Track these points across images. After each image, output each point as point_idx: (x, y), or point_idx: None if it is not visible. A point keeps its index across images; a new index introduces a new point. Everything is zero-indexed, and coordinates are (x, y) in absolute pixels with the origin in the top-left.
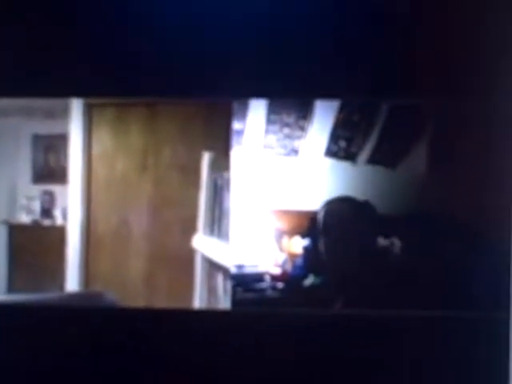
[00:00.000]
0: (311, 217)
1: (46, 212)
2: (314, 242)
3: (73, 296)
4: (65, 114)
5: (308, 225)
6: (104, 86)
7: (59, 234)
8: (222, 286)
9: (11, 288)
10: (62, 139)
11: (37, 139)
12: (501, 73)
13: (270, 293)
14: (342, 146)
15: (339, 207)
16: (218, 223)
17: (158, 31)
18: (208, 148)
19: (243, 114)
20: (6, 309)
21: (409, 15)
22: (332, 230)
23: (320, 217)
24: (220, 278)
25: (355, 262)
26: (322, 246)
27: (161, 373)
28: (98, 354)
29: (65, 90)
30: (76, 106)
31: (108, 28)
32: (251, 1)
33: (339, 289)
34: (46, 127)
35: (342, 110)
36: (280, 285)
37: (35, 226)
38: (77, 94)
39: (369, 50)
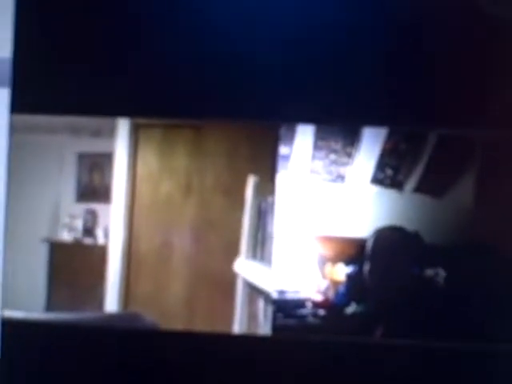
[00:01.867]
0: (357, 244)
1: (88, 231)
2: (359, 269)
3: (112, 317)
4: (111, 133)
5: (353, 252)
6: (151, 106)
7: (100, 253)
8: (263, 311)
9: (50, 306)
10: (107, 158)
11: (82, 158)
12: None
13: (311, 319)
14: (388, 174)
15: (388, 236)
16: (260, 247)
17: (206, 54)
18: (253, 172)
19: (290, 139)
20: (44, 327)
21: (461, 41)
22: (379, 257)
23: (368, 244)
24: (261, 303)
25: (399, 290)
26: (366, 273)
27: None
28: (135, 376)
29: (112, 109)
30: (122, 126)
31: (157, 50)
32: (301, 26)
33: (380, 317)
34: (91, 146)
35: (389, 138)
36: (322, 312)
37: (76, 245)
38: (124, 113)
39: (419, 78)
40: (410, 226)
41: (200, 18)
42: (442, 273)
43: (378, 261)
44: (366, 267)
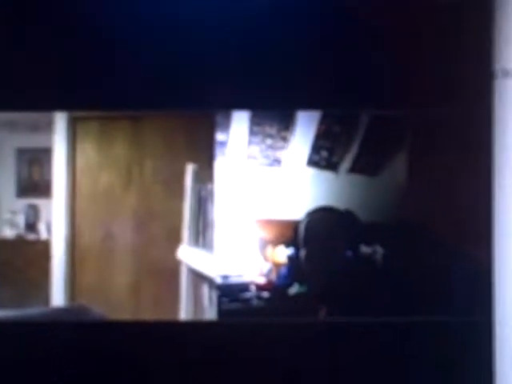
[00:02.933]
0: (294, 226)
1: (31, 226)
2: (297, 251)
3: (58, 310)
4: (49, 127)
5: (291, 234)
6: (88, 99)
7: (44, 248)
8: (208, 297)
9: None
10: (46, 153)
11: (21, 153)
12: (478, 79)
13: (255, 302)
14: (323, 156)
15: (320, 217)
16: (202, 234)
17: (141, 45)
18: (191, 160)
19: (226, 126)
20: None
21: (387, 27)
22: (313, 239)
23: (301, 227)
24: (205, 289)
25: (337, 270)
26: (303, 255)
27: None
28: (84, 368)
29: (48, 103)
30: (60, 120)
31: (92, 42)
32: (234, 14)
33: (322, 298)
34: (30, 141)
35: (323, 121)
36: (265, 294)
37: (19, 241)
38: (60, 107)
39: (349, 62)
40: (346, 205)
41: (134, 8)
42: (379, 250)
43: (311, 242)
44: (302, 250)
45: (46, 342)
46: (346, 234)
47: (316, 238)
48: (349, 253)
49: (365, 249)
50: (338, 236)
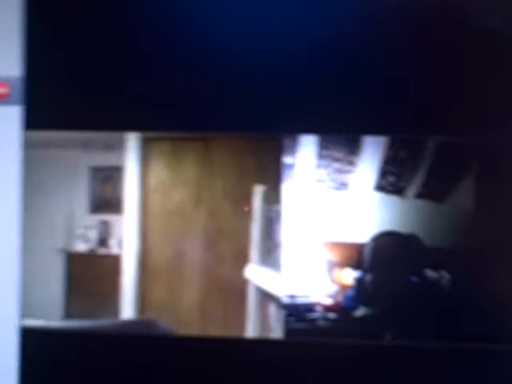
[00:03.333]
0: (359, 249)
1: (102, 241)
2: (364, 274)
3: (127, 323)
4: (122, 147)
5: (358, 257)
6: (160, 121)
7: (115, 262)
8: (275, 316)
9: (67, 315)
10: (118, 171)
11: (94, 171)
12: None
13: (321, 323)
14: (390, 181)
15: (385, 241)
16: (270, 254)
17: (212, 69)
18: (260, 181)
19: (294, 149)
20: (61, 335)
21: (457, 53)
22: (378, 263)
23: (366, 251)
24: (272, 308)
25: (402, 294)
26: (368, 279)
27: None
28: (151, 381)
29: (122, 124)
30: (132, 140)
31: (166, 67)
32: (303, 39)
33: (388, 321)
34: (103, 159)
35: (390, 145)
36: (331, 315)
37: (91, 255)
38: (134, 128)
39: (416, 88)
40: (412, 230)
41: (206, 34)
42: (446, 275)
43: (376, 266)
44: (368, 274)
45: (113, 352)
46: (411, 258)
47: (381, 262)
48: (414, 277)
49: (431, 274)
50: (403, 260)
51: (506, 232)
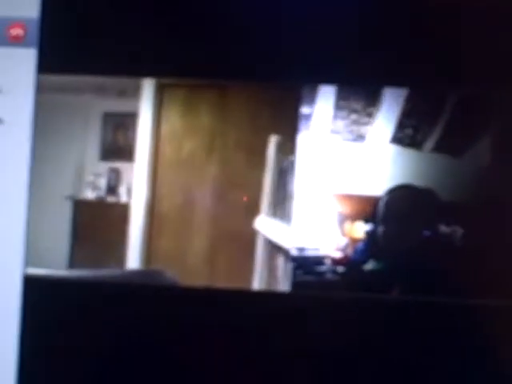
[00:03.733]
0: (376, 202)
1: (112, 189)
2: (376, 227)
3: (133, 273)
4: (136, 93)
5: (371, 210)
6: (176, 67)
7: (123, 211)
8: (283, 268)
9: (73, 263)
10: (131, 118)
11: (107, 117)
12: None
13: (329, 276)
14: (408, 134)
15: (400, 194)
16: (281, 206)
17: (230, 15)
18: (275, 131)
19: (312, 99)
20: (65, 284)
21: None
22: (391, 216)
23: (381, 204)
24: (281, 260)
25: (414, 248)
26: (380, 232)
27: (216, 351)
28: (155, 331)
29: (137, 69)
30: (147, 86)
31: (181, 11)
32: None
33: (397, 275)
34: (116, 106)
35: (409, 98)
36: (340, 268)
37: (100, 203)
38: (149, 73)
39: (438, 41)
40: (427, 184)
41: None
42: (459, 230)
43: (390, 219)
44: (380, 227)
45: (118, 303)
46: (425, 212)
47: (394, 216)
48: (427, 232)
49: (444, 228)
50: (418, 214)
51: None
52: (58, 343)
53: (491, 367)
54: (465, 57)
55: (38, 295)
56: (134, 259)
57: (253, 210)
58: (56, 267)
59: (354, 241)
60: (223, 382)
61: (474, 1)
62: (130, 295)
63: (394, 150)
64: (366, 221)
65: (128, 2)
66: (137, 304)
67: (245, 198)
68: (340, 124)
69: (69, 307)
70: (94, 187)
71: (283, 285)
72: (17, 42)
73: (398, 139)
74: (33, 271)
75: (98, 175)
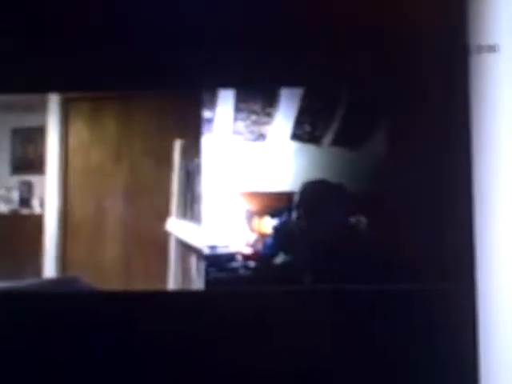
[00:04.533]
0: (281, 197)
1: (25, 201)
2: (285, 221)
3: (49, 282)
4: (43, 108)
5: (277, 205)
6: (79, 81)
7: (37, 222)
8: (196, 267)
9: None
10: (39, 132)
11: (16, 132)
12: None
13: (242, 272)
14: (306, 130)
15: (313, 187)
16: (190, 207)
17: (127, 27)
18: (180, 136)
19: (212, 104)
20: None
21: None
22: (302, 209)
23: (295, 197)
24: (193, 259)
25: (324, 238)
26: (293, 223)
27: (135, 353)
28: (72, 336)
29: (42, 85)
30: (53, 100)
31: (81, 24)
32: None
33: (308, 266)
34: (24, 121)
35: (305, 97)
36: (252, 264)
37: (14, 215)
38: (53, 89)
39: (330, 41)
40: (328, 177)
41: None
42: (363, 220)
43: (303, 210)
44: (293, 219)
45: (37, 312)
46: (333, 204)
47: (304, 209)
48: (336, 223)
49: (351, 219)
50: (326, 206)
51: (416, 177)
52: None
53: (401, 355)
54: (357, 54)
55: None
56: (49, 269)
57: (163, 212)
58: None
59: (262, 236)
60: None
61: (363, 5)
62: (48, 304)
63: (294, 146)
64: (273, 216)
65: (29, 20)
66: (55, 312)
67: None
68: (241, 125)
69: None
70: (7, 201)
71: (197, 283)
72: None
73: (297, 136)
74: None
75: (9, 189)
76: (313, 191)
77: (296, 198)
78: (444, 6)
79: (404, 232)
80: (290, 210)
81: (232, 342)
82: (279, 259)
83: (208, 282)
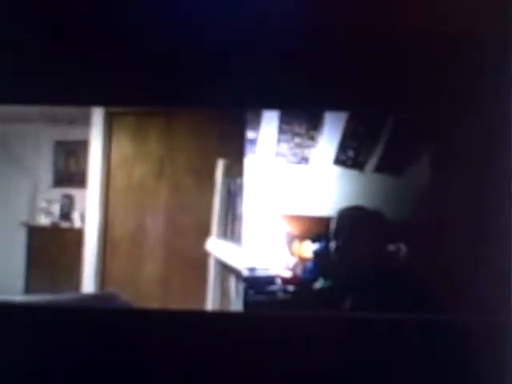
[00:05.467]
0: (322, 222)
1: (65, 215)
2: (325, 246)
3: (88, 297)
4: (86, 121)
5: (318, 230)
6: (124, 95)
7: (77, 236)
8: (235, 288)
9: (28, 288)
10: (83, 145)
11: (58, 145)
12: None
13: (280, 295)
14: (350, 155)
15: (352, 214)
16: (231, 227)
17: (175, 43)
18: (222, 155)
19: (256, 124)
20: (22, 309)
21: (412, 32)
22: (343, 234)
23: (333, 223)
24: (232, 281)
25: (363, 266)
26: (332, 250)
27: (173, 373)
28: (109, 354)
29: (87, 98)
30: (97, 114)
31: (130, 40)
32: (265, 16)
33: (347, 292)
34: (67, 134)
35: (350, 121)
36: (291, 287)
37: (54, 228)
38: (98, 102)
39: (376, 64)
40: (370, 203)
41: (169, 8)
42: (403, 248)
43: (341, 236)
44: (332, 245)
45: (74, 327)
46: (373, 232)
47: (343, 236)
48: (375, 250)
49: (389, 246)
50: (366, 234)
51: (458, 206)
52: (15, 369)
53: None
54: (403, 80)
55: None
56: (88, 283)
57: (203, 232)
58: (13, 292)
59: (302, 260)
60: None
61: (407, 34)
62: (87, 319)
63: (337, 171)
64: (314, 240)
65: (76, 35)
66: (93, 328)
67: None
68: (284, 147)
69: (25, 332)
70: (48, 213)
71: (236, 305)
72: None
73: (340, 161)
74: None
75: (51, 201)
76: (351, 218)
77: (334, 224)
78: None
79: (444, 261)
80: (329, 235)
81: (267, 365)
82: (319, 284)
83: (246, 304)
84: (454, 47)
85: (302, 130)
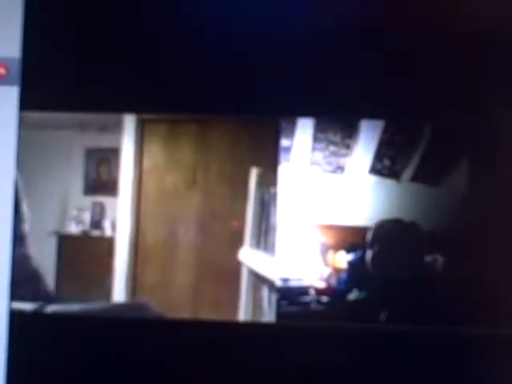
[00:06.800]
0: (357, 232)
1: (96, 223)
2: (360, 256)
3: (119, 306)
4: (118, 128)
5: (353, 240)
6: (156, 102)
7: (108, 244)
8: (267, 299)
9: (59, 297)
10: (114, 153)
11: (89, 152)
12: None
13: (314, 306)
14: (386, 165)
15: (388, 224)
16: (264, 237)
17: (209, 51)
18: (256, 164)
19: (291, 132)
20: (52, 318)
21: (451, 40)
22: (379, 244)
23: (369, 233)
24: (265, 291)
25: (399, 277)
26: (368, 261)
27: (204, 383)
28: (142, 365)
29: (118, 105)
30: (128, 121)
31: (162, 47)
32: (300, 24)
33: (382, 304)
34: (98, 141)
35: (386, 129)
36: (324, 298)
37: (84, 237)
38: (129, 109)
39: (413, 72)
40: (406, 213)
41: (202, 15)
42: (439, 258)
43: (378, 249)
44: (368, 255)
45: (106, 336)
46: (409, 243)
47: (380, 247)
48: (411, 261)
49: (426, 257)
50: (402, 245)
51: (498, 216)
52: (45, 377)
53: None
54: (439, 89)
55: (25, 330)
56: (119, 292)
57: (236, 241)
58: (42, 301)
59: (336, 271)
60: None
61: (447, 39)
62: (117, 328)
63: (372, 180)
64: (348, 251)
65: (108, 41)
66: (124, 338)
67: (235, 223)
68: (319, 156)
69: (55, 341)
70: (78, 221)
71: (268, 316)
72: (0, 79)
73: (376, 170)
74: (19, 306)
75: (81, 209)
76: (387, 228)
77: (370, 235)
78: None
79: (483, 273)
80: (364, 246)
81: (300, 376)
82: (353, 295)
83: (279, 315)
84: (490, 53)
85: (337, 138)
